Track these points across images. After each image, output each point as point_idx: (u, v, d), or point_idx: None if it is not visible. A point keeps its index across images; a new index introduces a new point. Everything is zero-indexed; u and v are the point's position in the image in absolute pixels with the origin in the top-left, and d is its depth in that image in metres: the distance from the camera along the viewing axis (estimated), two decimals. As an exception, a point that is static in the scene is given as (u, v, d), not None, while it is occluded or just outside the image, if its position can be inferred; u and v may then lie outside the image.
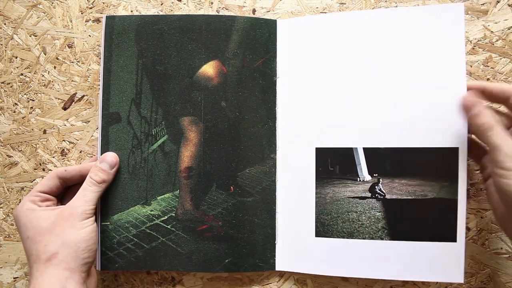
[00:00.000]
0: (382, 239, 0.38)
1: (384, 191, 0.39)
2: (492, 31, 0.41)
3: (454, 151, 0.37)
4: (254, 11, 0.43)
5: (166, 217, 0.40)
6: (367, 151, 0.39)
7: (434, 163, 0.38)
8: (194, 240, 0.40)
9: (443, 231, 0.37)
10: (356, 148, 0.39)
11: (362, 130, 0.39)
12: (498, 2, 0.41)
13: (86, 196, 0.37)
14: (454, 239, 0.37)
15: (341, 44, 0.39)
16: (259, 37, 0.40)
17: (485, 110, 0.33)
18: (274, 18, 0.43)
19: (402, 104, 0.38)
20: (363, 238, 0.38)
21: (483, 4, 0.41)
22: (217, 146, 0.40)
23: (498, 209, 0.34)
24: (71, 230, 0.35)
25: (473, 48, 0.41)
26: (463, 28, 0.37)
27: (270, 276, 0.42)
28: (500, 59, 0.40)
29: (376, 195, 0.39)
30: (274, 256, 0.40)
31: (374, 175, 0.39)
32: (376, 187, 0.39)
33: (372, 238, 0.38)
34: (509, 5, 0.41)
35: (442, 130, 0.37)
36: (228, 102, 0.40)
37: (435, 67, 0.37)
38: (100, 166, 0.38)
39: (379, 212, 0.39)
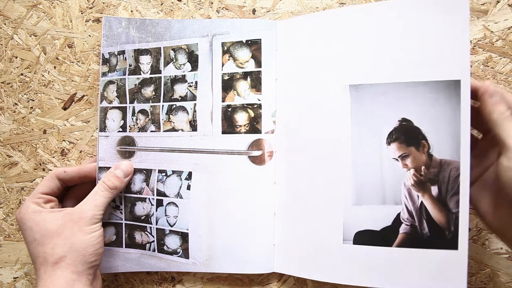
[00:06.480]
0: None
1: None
2: (492, 31, 0.41)
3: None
4: (254, 11, 0.43)
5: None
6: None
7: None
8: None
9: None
10: None
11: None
12: (498, 2, 0.41)
13: (97, 201, 0.37)
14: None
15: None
16: None
17: (504, 102, 0.31)
18: (274, 18, 0.43)
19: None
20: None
21: (483, 4, 0.41)
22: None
23: (494, 205, 0.32)
24: (79, 234, 0.35)
25: (473, 48, 0.41)
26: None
27: (270, 277, 0.42)
28: (500, 59, 0.40)
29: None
30: (273, 257, 0.40)
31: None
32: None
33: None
34: (509, 5, 0.41)
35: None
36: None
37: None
38: (115, 173, 0.39)
39: None
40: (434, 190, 0.34)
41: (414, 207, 0.35)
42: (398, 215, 0.35)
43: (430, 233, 0.34)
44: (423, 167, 0.35)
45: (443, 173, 0.34)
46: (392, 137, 0.35)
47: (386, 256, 0.35)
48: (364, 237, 0.36)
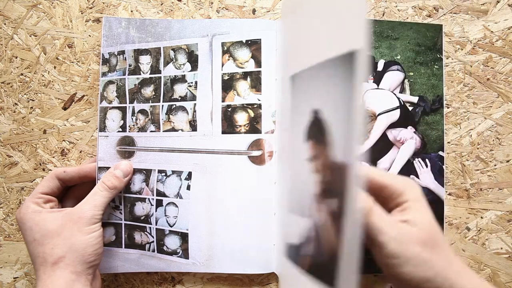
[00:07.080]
0: None
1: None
2: (492, 31, 0.41)
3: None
4: (254, 11, 0.43)
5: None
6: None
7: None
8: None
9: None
10: None
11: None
12: (498, 2, 0.41)
13: (96, 201, 0.37)
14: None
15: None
16: None
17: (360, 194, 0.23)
18: (274, 18, 0.43)
19: None
20: None
21: (483, 4, 0.41)
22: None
23: None
24: (79, 234, 0.35)
25: (473, 48, 0.41)
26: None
27: (270, 277, 0.42)
28: (500, 59, 0.40)
29: None
30: (273, 257, 0.40)
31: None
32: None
33: None
34: (509, 5, 0.41)
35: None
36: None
37: None
38: (114, 173, 0.39)
39: None
40: (332, 204, 0.23)
41: (315, 224, 0.25)
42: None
43: (326, 264, 0.23)
44: (327, 172, 0.25)
45: (341, 181, 0.22)
46: (308, 133, 0.27)
47: (298, 279, 0.27)
48: (289, 252, 0.30)
